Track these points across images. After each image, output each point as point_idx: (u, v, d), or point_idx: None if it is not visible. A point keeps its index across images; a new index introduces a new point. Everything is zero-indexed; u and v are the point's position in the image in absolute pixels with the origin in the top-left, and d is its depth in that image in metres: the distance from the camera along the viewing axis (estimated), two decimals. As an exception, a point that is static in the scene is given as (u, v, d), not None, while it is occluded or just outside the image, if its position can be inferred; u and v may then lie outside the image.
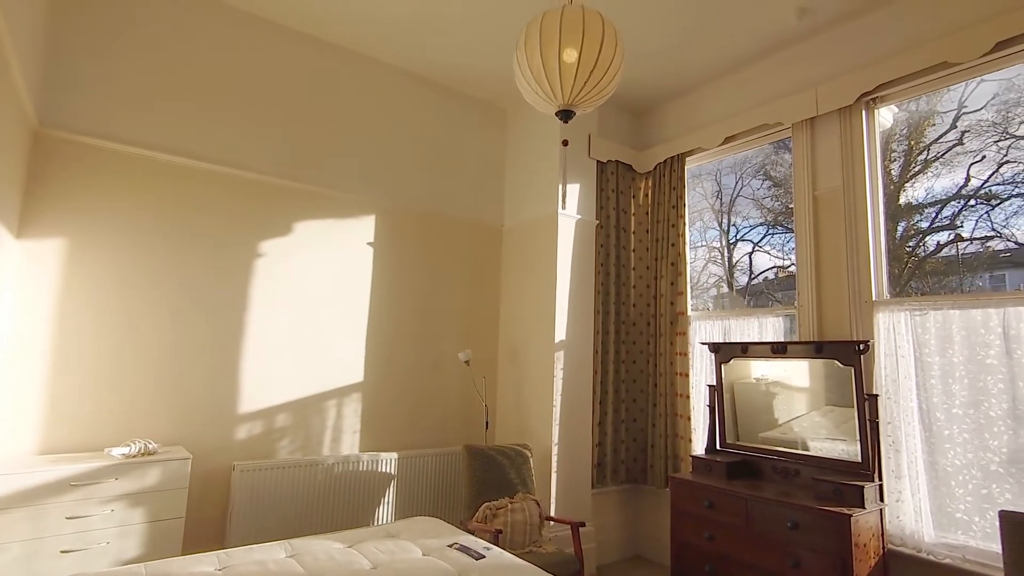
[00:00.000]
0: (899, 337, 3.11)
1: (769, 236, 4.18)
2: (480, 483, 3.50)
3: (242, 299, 3.37)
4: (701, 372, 4.19)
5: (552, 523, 3.85)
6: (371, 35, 3.80)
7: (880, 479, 3.00)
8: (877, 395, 3.07)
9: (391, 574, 2.20)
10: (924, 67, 3.10)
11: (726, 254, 4.48)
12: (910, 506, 2.99)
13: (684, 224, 4.31)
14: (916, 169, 3.38)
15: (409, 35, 3.78)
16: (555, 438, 3.94)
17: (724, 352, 3.80)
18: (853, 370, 3.12)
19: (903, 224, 3.39)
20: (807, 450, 3.29)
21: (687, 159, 4.42)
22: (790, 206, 3.84)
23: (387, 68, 4.14)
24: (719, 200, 4.51)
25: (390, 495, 3.73)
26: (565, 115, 2.37)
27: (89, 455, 2.69)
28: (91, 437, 2.80)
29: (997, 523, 2.75)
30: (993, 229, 3.04)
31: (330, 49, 3.87)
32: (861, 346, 3.10)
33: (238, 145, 3.45)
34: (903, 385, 3.07)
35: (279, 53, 3.65)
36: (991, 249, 3.05)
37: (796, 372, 3.47)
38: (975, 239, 3.10)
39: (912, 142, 3.41)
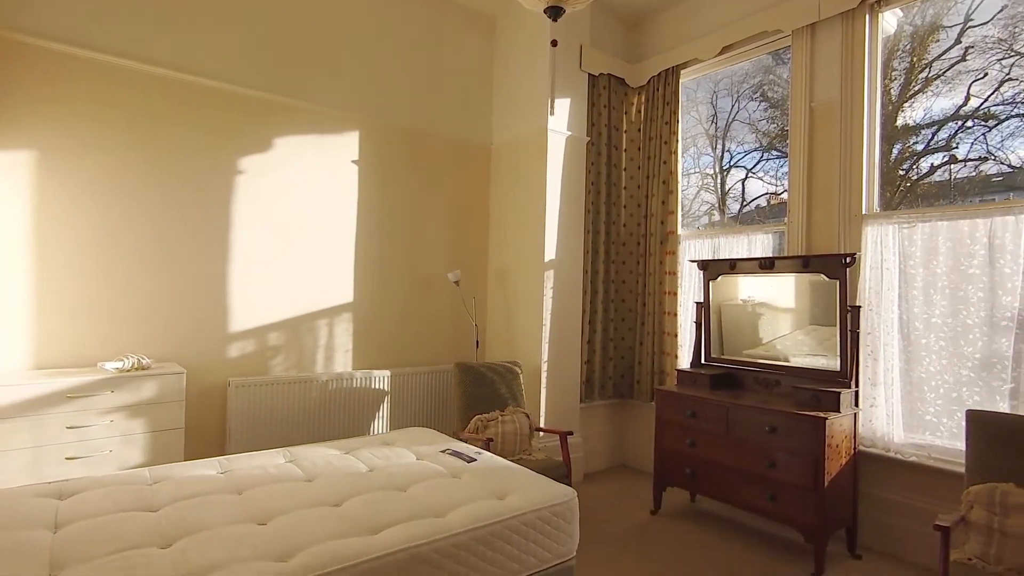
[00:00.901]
0: (885, 250, 3.14)
1: (763, 162, 4.10)
2: (471, 397, 3.61)
3: (224, 217, 3.30)
4: (689, 291, 4.24)
5: (541, 434, 4.02)
6: (345, -70, 3.49)
7: (856, 386, 3.12)
8: (860, 307, 3.13)
9: (386, 476, 2.30)
10: (935, -37, 2.92)
11: (719, 180, 4.42)
12: (883, 411, 3.13)
13: (677, 141, 4.20)
14: (916, 88, 3.28)
15: (387, -70, 3.48)
16: (544, 355, 4.03)
17: (712, 269, 3.83)
18: (838, 283, 3.16)
19: (898, 146, 3.33)
20: (788, 363, 3.41)
21: (682, 72, 4.24)
22: (786, 128, 3.75)
23: (365, -30, 3.85)
24: (714, 124, 4.38)
25: (384, 410, 3.85)
26: (554, 12, 2.24)
27: (83, 370, 2.72)
28: (83, 353, 2.82)
29: (964, 423, 2.89)
30: (988, 151, 2.99)
31: (302, -53, 3.58)
32: (847, 259, 3.13)
33: (214, 55, 3.25)
34: (886, 297, 3.13)
35: (247, -49, 3.37)
36: (983, 173, 3.02)
37: (782, 291, 3.51)
38: (969, 161, 3.06)
39: (915, 59, 3.28)
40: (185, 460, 2.81)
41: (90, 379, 2.54)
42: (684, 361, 4.17)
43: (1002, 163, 2.95)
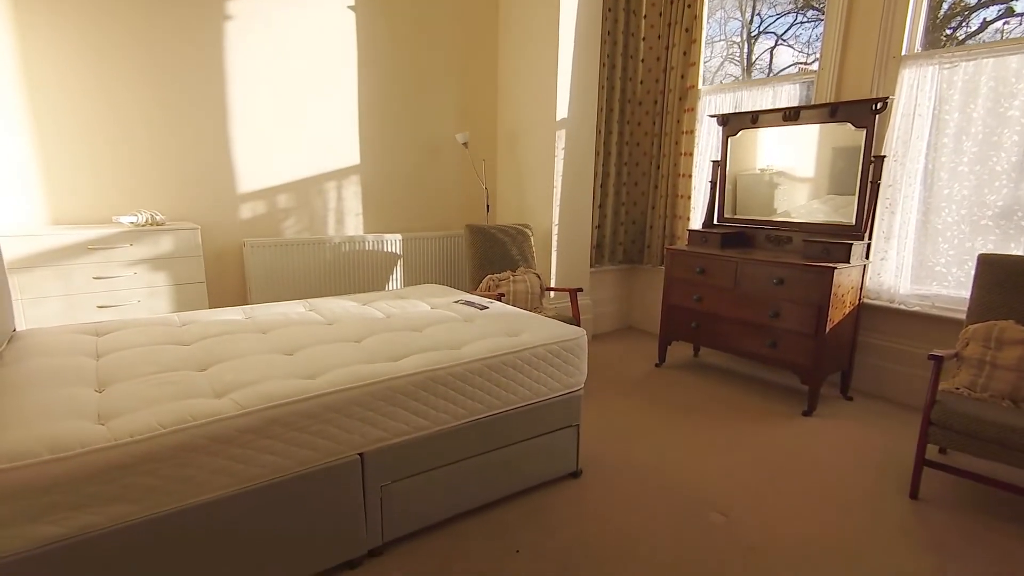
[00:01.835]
0: (921, 94, 2.94)
1: (796, 26, 3.71)
2: (483, 258, 3.66)
3: (218, 72, 3.14)
4: (706, 152, 4.09)
5: (552, 295, 4.13)
6: None
7: (869, 239, 3.10)
8: (884, 156, 3.01)
9: (403, 320, 2.40)
10: None
11: (745, 50, 4.04)
12: (893, 263, 3.14)
13: (703, -21, 3.80)
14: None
15: None
16: (555, 219, 4.01)
17: (732, 124, 3.65)
18: (865, 131, 3.01)
19: (948, 2, 2.98)
20: (802, 220, 3.36)
21: None
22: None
23: None
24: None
25: (398, 272, 3.94)
26: None
27: (99, 225, 2.76)
28: (97, 208, 2.85)
29: (973, 272, 2.90)
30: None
31: None
32: (878, 105, 2.95)
33: None
34: (913, 147, 2.99)
35: None
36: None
37: (803, 155, 3.34)
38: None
39: None
40: (211, 312, 2.94)
41: (108, 232, 2.58)
42: (696, 224, 4.14)
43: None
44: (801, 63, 3.70)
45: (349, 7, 3.54)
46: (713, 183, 3.79)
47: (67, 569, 1.28)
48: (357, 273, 3.75)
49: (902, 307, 3.11)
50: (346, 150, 3.67)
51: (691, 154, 4.07)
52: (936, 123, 2.93)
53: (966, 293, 2.91)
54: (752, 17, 3.96)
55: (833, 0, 3.22)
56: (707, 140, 4.07)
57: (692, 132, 4.04)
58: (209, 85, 3.11)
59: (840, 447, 2.62)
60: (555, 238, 4.04)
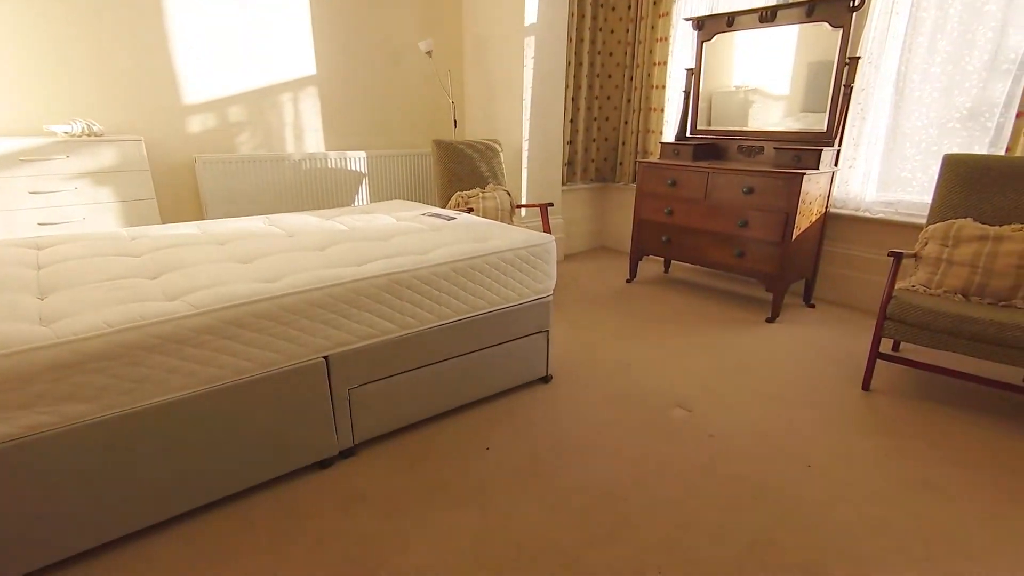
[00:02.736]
0: (899, -10, 2.83)
1: None
2: (451, 174, 3.54)
3: (150, -36, 2.83)
4: (681, 60, 3.93)
5: (523, 212, 4.06)
6: None
7: (840, 146, 3.08)
8: (859, 58, 2.93)
9: (366, 232, 2.32)
10: None
11: None
12: (861, 171, 3.14)
13: None
14: None
15: None
16: (525, 134, 3.88)
17: (708, 28, 3.49)
18: (841, 32, 2.92)
19: None
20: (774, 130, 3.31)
21: None
22: None
23: None
24: None
25: (363, 191, 3.80)
26: None
27: (30, 135, 2.55)
28: (28, 119, 2.62)
29: (937, 176, 2.93)
30: None
31: None
32: (855, 2, 2.84)
33: None
34: (889, 47, 2.92)
35: None
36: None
37: (779, 67, 3.22)
38: None
39: None
40: (165, 232, 2.81)
41: (41, 142, 2.39)
42: (669, 137, 4.06)
43: None
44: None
45: None
46: (687, 93, 3.68)
47: (20, 470, 1.25)
48: (320, 192, 3.60)
49: (867, 214, 3.15)
50: (300, 59, 3.42)
51: (665, 63, 3.92)
52: (913, 21, 2.85)
53: (927, 197, 2.95)
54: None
55: None
56: (682, 50, 3.90)
57: (666, 39, 3.87)
58: (139, -20, 2.81)
59: (799, 348, 2.71)
60: (525, 154, 3.92)
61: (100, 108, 2.82)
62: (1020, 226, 2.24)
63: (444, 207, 3.51)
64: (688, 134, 3.73)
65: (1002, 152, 2.65)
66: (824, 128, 3.08)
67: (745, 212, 3.06)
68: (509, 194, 3.61)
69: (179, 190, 3.16)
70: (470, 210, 3.25)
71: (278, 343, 1.57)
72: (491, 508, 1.60)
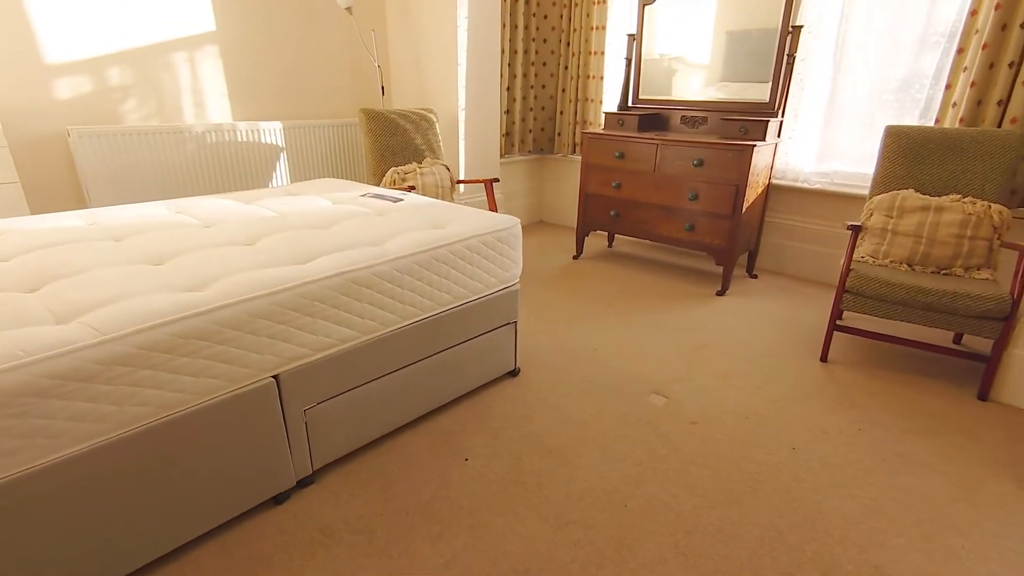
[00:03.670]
0: (839, -41, 2.84)
1: None
2: (384, 148, 3.20)
3: None
4: (622, 25, 3.79)
5: (462, 188, 3.81)
6: None
7: (782, 116, 3.10)
8: (801, 27, 2.93)
9: (301, 218, 1.99)
10: None
11: None
12: (799, 142, 3.20)
13: None
14: None
15: None
16: (461, 103, 3.59)
17: (649, -8, 3.36)
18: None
19: None
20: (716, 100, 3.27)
21: None
22: None
23: None
24: None
25: (282, 168, 3.36)
26: None
27: None
28: None
29: (879, 145, 3.03)
30: None
31: None
32: (800, -31, 2.81)
33: None
34: (827, 16, 2.94)
35: None
36: None
37: (721, 35, 3.17)
38: None
39: None
40: (37, 223, 2.29)
41: None
42: (610, 107, 3.94)
43: None
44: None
45: None
46: (629, 60, 3.55)
47: None
48: (230, 170, 3.13)
49: (805, 185, 3.23)
50: (196, 11, 2.89)
51: (603, 28, 3.76)
52: (851, -8, 2.88)
53: (863, 169, 3.06)
54: None
55: None
56: (621, 14, 3.76)
57: (604, 2, 3.71)
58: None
59: (753, 321, 2.74)
60: (462, 125, 3.64)
61: (-72, 66, 2.20)
62: (958, 196, 2.35)
63: (378, 185, 3.19)
64: (630, 103, 3.63)
65: (932, 123, 2.77)
66: (767, 99, 3.08)
67: (696, 185, 3.02)
68: (448, 169, 3.35)
69: (50, 170, 2.60)
70: (411, 188, 2.96)
71: (215, 367, 1.27)
72: (482, 530, 1.43)
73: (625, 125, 3.41)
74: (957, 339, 2.56)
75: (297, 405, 1.48)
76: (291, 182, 3.42)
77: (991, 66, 2.50)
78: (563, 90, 4.12)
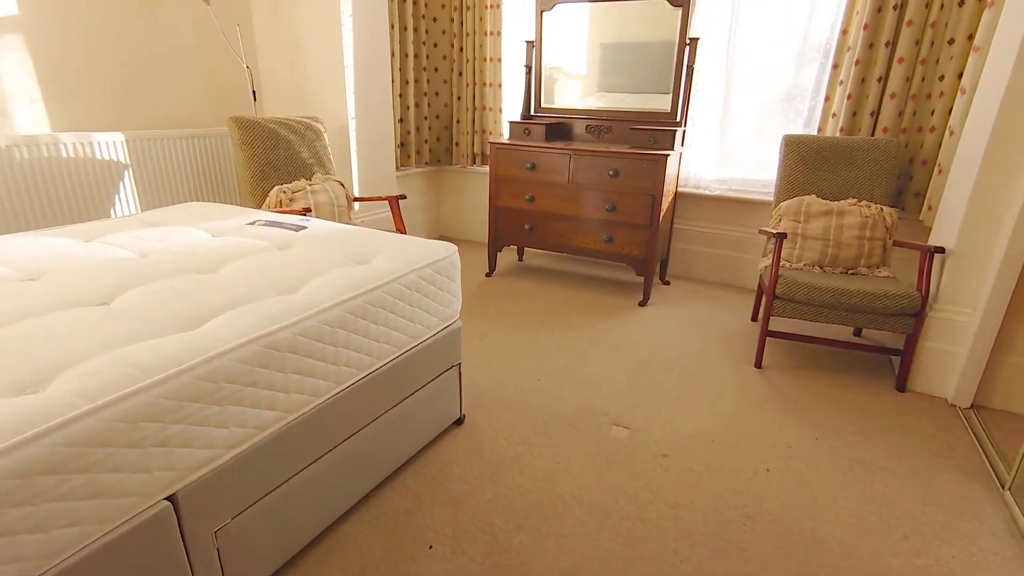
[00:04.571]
0: (727, -25, 2.95)
1: None
2: (263, 163, 2.71)
3: None
4: (521, 31, 3.65)
5: (356, 206, 3.40)
6: None
7: (685, 126, 3.16)
8: (698, 39, 3.00)
9: (174, 259, 1.53)
10: None
11: None
12: (699, 151, 3.29)
13: None
14: None
15: None
16: (351, 111, 3.19)
17: (547, -3, 3.25)
18: (681, 11, 2.93)
19: None
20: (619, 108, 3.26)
21: None
22: None
23: None
24: None
25: (127, 192, 2.71)
26: None
27: None
28: None
29: (764, 154, 3.19)
30: None
31: None
32: (695, -18, 2.87)
33: None
34: (718, 30, 3.05)
35: None
36: None
37: (624, 44, 3.15)
38: None
39: None
40: None
41: None
42: (509, 115, 3.78)
43: None
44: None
45: None
46: (529, 67, 3.42)
47: None
48: (53, 196, 2.44)
49: (706, 192, 3.33)
50: (-15, -12, 2.20)
51: (498, 34, 3.59)
52: (736, 6, 3.01)
53: (756, 175, 3.22)
54: None
55: None
56: (518, 19, 3.61)
57: (498, 6, 3.54)
58: None
59: (682, 331, 2.73)
60: (354, 135, 3.24)
61: None
62: (855, 200, 2.51)
63: (262, 204, 2.69)
64: (533, 112, 3.49)
65: (815, 132, 2.97)
66: (669, 108, 3.12)
67: (612, 195, 2.96)
68: (343, 185, 2.94)
69: None
70: (306, 211, 2.52)
71: (77, 509, 0.84)
72: (473, 645, 1.14)
73: (532, 135, 3.26)
74: (857, 333, 2.77)
75: (204, 528, 1.07)
76: (142, 209, 2.78)
77: (863, 80, 2.73)
78: (458, 98, 3.88)
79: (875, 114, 2.75)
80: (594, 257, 3.13)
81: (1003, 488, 1.64)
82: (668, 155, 2.79)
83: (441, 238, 4.32)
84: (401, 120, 3.67)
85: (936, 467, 1.74)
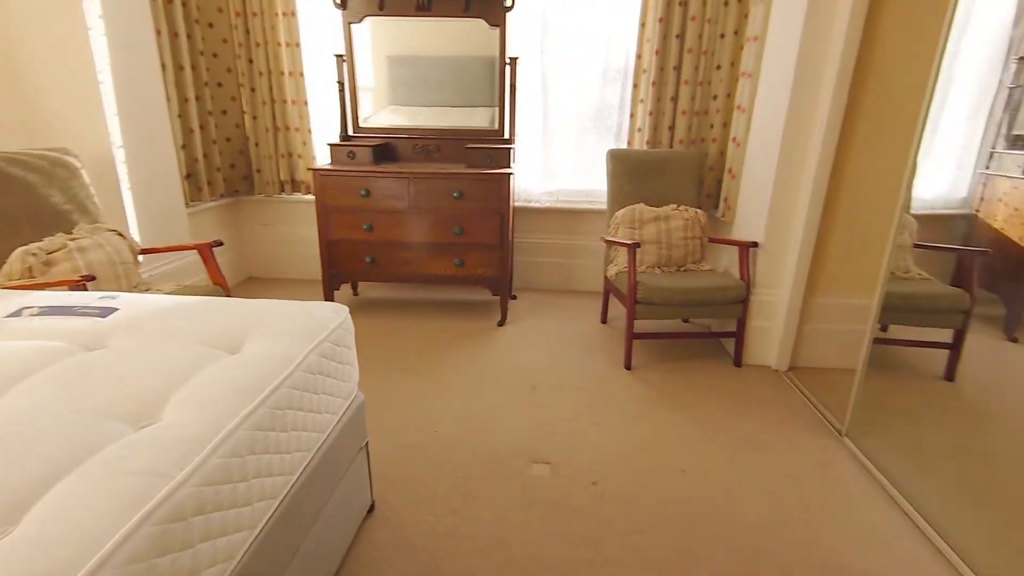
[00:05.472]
0: (532, -5, 3.08)
1: None
2: (-7, 218, 1.93)
3: None
4: (325, 46, 3.26)
5: (142, 259, 2.67)
6: None
7: (513, 143, 3.21)
8: (517, 59, 3.06)
9: None
10: None
11: None
12: (527, 165, 3.39)
13: None
14: None
15: None
16: (117, 137, 2.48)
17: (354, 8, 2.97)
18: (499, 31, 2.96)
19: None
20: (443, 127, 3.17)
21: None
22: None
23: None
24: None
25: None
26: None
27: None
28: None
29: (583, 166, 3.42)
30: None
31: None
32: (509, 2, 2.92)
33: None
34: (532, 49, 3.17)
35: None
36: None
37: (445, 58, 3.05)
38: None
39: None
40: None
41: None
42: (325, 136, 3.38)
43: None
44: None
45: None
46: (342, 84, 3.09)
47: None
48: None
49: (536, 205, 3.45)
50: None
51: (297, 45, 3.18)
52: (545, 25, 3.16)
53: (579, 186, 3.44)
54: None
55: None
56: (324, 29, 3.23)
57: (293, 15, 3.12)
58: None
59: (549, 346, 2.77)
60: (123, 168, 2.53)
61: None
62: (675, 205, 2.85)
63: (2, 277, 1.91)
64: (352, 132, 3.18)
65: (625, 146, 3.29)
66: (494, 125, 3.13)
67: (459, 218, 2.85)
68: (122, 236, 2.28)
69: None
70: (87, 279, 1.86)
71: None
72: None
73: (358, 158, 2.96)
74: (685, 322, 3.15)
75: None
76: None
77: (659, 99, 3.12)
78: (254, 117, 3.32)
79: (672, 128, 3.16)
80: (447, 283, 2.99)
81: (840, 435, 2.02)
82: (511, 173, 2.80)
83: (251, 279, 3.69)
84: (184, 146, 2.99)
85: (801, 431, 2.07)
